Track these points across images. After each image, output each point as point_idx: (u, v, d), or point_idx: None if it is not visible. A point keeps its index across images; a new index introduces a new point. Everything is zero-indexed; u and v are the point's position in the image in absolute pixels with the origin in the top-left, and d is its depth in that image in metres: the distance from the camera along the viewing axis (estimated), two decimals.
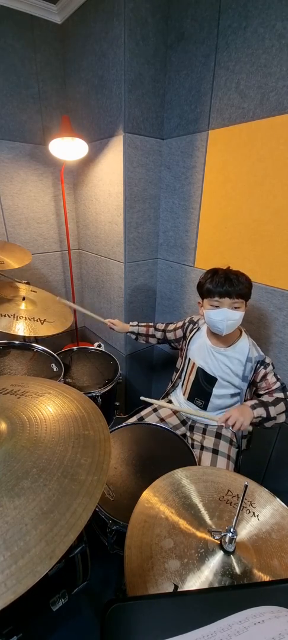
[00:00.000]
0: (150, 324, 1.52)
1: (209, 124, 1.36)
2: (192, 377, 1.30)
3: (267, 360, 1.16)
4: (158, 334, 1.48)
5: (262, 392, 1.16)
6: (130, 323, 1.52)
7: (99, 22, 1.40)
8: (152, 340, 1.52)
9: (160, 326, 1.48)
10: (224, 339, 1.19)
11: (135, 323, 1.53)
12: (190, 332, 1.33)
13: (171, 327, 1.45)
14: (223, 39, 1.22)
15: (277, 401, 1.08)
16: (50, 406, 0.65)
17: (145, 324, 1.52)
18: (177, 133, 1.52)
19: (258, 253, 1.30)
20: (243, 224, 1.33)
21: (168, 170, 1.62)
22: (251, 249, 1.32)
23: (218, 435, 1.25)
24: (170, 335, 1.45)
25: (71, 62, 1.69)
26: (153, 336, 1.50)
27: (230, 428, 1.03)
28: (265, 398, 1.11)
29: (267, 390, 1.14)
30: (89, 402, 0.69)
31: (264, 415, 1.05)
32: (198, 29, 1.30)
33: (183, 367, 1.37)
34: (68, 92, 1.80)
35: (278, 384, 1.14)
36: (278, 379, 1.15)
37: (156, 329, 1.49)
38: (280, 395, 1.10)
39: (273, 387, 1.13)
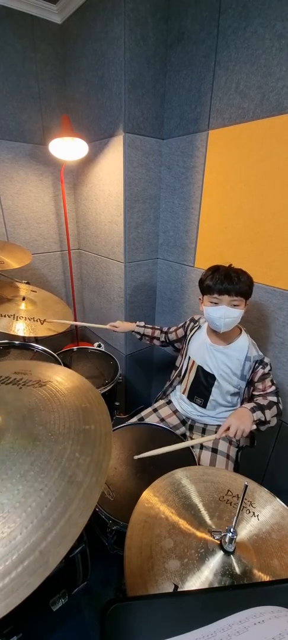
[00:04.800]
0: (157, 326, 1.50)
1: (209, 124, 1.36)
2: (192, 376, 1.30)
3: (266, 360, 1.16)
4: (163, 337, 1.48)
5: (256, 394, 1.17)
6: (137, 323, 1.50)
7: (99, 22, 1.40)
8: (156, 342, 1.50)
9: (165, 329, 1.49)
10: (223, 337, 1.20)
11: (143, 324, 1.50)
12: (191, 331, 1.33)
13: (173, 329, 1.46)
14: (223, 39, 1.22)
15: (270, 404, 1.09)
16: (52, 398, 0.63)
17: (151, 325, 1.51)
18: (177, 133, 1.52)
19: (258, 253, 1.30)
20: (243, 224, 1.33)
21: (168, 170, 1.62)
22: (251, 249, 1.32)
23: None
24: (172, 336, 1.45)
25: (71, 62, 1.69)
26: (157, 338, 1.49)
27: (234, 439, 1.03)
28: (260, 400, 1.11)
29: (261, 393, 1.15)
30: (93, 390, 0.67)
31: (262, 418, 1.05)
32: (198, 29, 1.30)
33: (183, 366, 1.38)
34: (68, 92, 1.80)
35: (273, 388, 1.15)
36: (273, 384, 1.16)
37: (162, 332, 1.48)
38: (274, 399, 1.11)
39: (268, 391, 1.14)
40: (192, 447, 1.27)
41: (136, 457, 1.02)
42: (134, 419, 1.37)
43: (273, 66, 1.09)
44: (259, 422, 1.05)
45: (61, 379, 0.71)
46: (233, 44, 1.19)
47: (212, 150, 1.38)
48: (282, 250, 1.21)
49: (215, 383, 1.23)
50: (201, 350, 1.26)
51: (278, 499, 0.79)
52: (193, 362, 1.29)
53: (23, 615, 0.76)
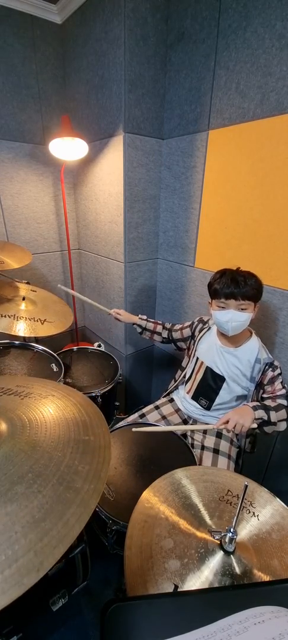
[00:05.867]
0: (159, 321, 1.50)
1: (209, 124, 1.36)
2: (200, 377, 1.29)
3: (276, 363, 1.15)
4: (165, 333, 1.46)
5: (265, 396, 1.15)
6: (140, 316, 1.50)
7: (99, 22, 1.40)
8: (157, 338, 1.49)
9: (167, 325, 1.47)
10: (233, 340, 1.19)
11: (145, 317, 1.50)
12: (200, 332, 1.33)
13: (177, 327, 1.45)
14: (223, 39, 1.22)
15: (279, 407, 1.07)
16: (53, 409, 0.64)
17: (153, 320, 1.50)
18: (177, 133, 1.52)
19: (258, 253, 1.30)
20: (243, 224, 1.33)
21: (168, 170, 1.62)
22: (251, 249, 1.32)
23: (219, 435, 1.25)
24: (176, 335, 1.44)
25: (71, 62, 1.69)
26: (159, 334, 1.48)
27: (232, 430, 1.02)
28: (267, 402, 1.10)
29: (271, 395, 1.13)
30: (92, 406, 0.69)
31: (265, 417, 1.04)
32: (198, 29, 1.30)
33: (189, 366, 1.37)
34: (68, 92, 1.80)
35: (283, 391, 1.12)
36: (284, 387, 1.13)
37: (164, 328, 1.47)
38: (283, 402, 1.09)
39: (278, 393, 1.11)
40: (192, 444, 1.28)
41: (134, 429, 1.09)
42: (135, 415, 1.37)
43: (273, 66, 1.09)
44: (262, 422, 1.04)
45: (62, 393, 0.72)
46: (234, 43, 1.19)
47: (212, 150, 1.38)
48: (282, 250, 1.21)
49: (224, 385, 1.22)
50: (210, 352, 1.26)
51: (278, 499, 0.79)
52: (202, 363, 1.28)
53: (23, 615, 0.76)
